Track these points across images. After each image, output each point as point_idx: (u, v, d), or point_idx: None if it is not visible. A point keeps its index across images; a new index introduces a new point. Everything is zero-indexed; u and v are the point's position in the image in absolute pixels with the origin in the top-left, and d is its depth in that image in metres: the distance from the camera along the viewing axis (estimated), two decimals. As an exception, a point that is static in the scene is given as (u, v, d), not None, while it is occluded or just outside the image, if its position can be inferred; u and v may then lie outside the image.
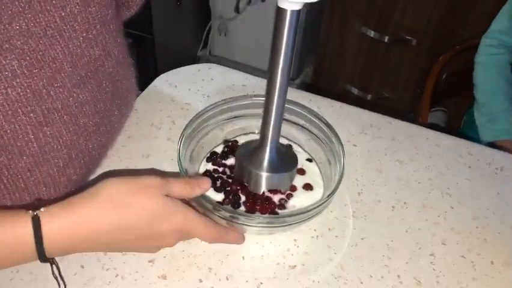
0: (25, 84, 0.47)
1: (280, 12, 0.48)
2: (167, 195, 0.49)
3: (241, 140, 0.68)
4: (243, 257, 0.57)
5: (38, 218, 0.44)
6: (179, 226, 0.49)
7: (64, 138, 0.54)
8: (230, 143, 0.67)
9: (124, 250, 0.52)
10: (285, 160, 0.62)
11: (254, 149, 0.60)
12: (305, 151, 0.67)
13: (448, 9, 1.63)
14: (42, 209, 0.45)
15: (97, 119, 0.58)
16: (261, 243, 0.59)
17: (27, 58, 0.46)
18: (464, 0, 1.59)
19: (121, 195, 0.47)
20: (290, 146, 0.67)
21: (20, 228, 0.44)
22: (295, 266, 0.57)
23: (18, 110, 0.47)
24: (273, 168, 0.59)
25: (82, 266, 0.55)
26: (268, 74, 0.53)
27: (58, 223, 0.45)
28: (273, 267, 0.57)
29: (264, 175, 0.59)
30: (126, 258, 0.56)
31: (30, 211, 0.44)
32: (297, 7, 0.47)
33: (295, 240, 0.60)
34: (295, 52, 2.20)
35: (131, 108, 0.73)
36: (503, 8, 1.15)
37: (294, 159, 0.63)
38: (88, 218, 0.45)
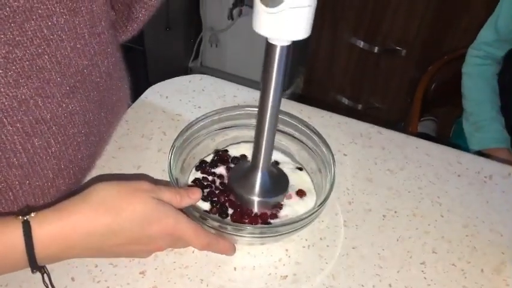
0: (11, 94, 0.47)
1: (270, 47, 0.49)
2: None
3: (232, 149, 0.68)
4: (235, 268, 0.57)
5: (29, 223, 0.44)
6: (170, 229, 0.49)
7: (53, 148, 0.53)
8: (220, 152, 0.67)
9: (114, 255, 0.52)
10: (276, 183, 0.62)
11: (245, 173, 0.61)
12: (296, 161, 0.68)
13: (437, 20, 1.66)
14: (32, 214, 0.44)
15: (86, 129, 0.58)
16: (253, 254, 0.59)
17: (13, 68, 0.46)
18: (453, 11, 1.62)
19: (111, 199, 0.47)
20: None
21: (10, 234, 0.43)
22: (286, 276, 0.57)
23: (4, 120, 0.47)
24: (265, 193, 0.60)
25: (73, 279, 0.54)
26: (260, 102, 0.54)
27: (49, 228, 0.44)
28: (264, 278, 0.57)
29: (256, 200, 0.60)
30: (117, 270, 0.56)
31: (20, 216, 0.44)
32: (287, 43, 0.48)
33: (286, 250, 0.60)
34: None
35: (120, 118, 0.73)
36: (489, 19, 1.17)
37: (285, 181, 0.63)
38: (79, 222, 0.45)
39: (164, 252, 0.58)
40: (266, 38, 0.48)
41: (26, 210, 0.45)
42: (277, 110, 0.54)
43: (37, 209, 0.45)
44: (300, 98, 2.09)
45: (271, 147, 0.58)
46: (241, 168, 0.64)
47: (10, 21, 0.45)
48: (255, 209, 0.60)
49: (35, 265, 0.45)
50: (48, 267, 0.54)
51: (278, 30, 0.46)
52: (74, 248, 0.46)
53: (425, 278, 0.58)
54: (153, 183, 0.51)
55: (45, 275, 0.48)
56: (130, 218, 0.47)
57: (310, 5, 0.44)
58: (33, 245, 0.43)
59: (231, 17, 1.91)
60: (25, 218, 0.44)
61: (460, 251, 0.62)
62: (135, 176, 0.68)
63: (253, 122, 0.66)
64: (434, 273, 0.59)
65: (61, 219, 0.45)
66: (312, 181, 0.65)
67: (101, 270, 0.56)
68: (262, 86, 0.52)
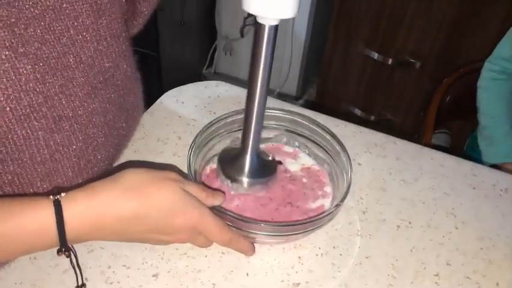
0: (37, 90, 0.48)
1: (259, 27, 0.50)
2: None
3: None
4: (247, 274, 0.57)
5: (59, 202, 0.45)
6: (193, 222, 0.50)
7: (74, 147, 0.54)
8: None
9: (136, 240, 0.52)
10: (265, 165, 0.63)
11: (235, 156, 0.61)
12: (312, 159, 0.69)
13: (452, 33, 1.65)
14: (62, 194, 0.45)
15: (106, 130, 0.59)
16: (266, 260, 0.59)
17: (41, 64, 0.48)
18: (468, 24, 1.61)
19: (141, 185, 0.48)
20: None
21: (41, 212, 0.44)
22: (299, 283, 0.57)
23: (31, 115, 0.48)
24: (254, 174, 0.60)
25: (86, 279, 0.55)
26: (248, 84, 0.55)
27: (79, 207, 0.45)
28: (277, 284, 0.56)
29: (245, 180, 0.60)
30: (130, 272, 0.56)
31: (51, 196, 0.45)
32: (275, 23, 0.50)
33: (299, 257, 0.60)
34: (299, 72, 2.21)
35: (138, 123, 0.74)
36: (507, 34, 1.16)
37: (273, 164, 0.64)
38: (108, 204, 0.46)
39: (177, 256, 0.58)
40: (255, 18, 0.49)
41: (56, 191, 0.46)
42: (265, 92, 0.55)
43: (66, 189, 0.46)
44: (313, 106, 2.10)
45: (259, 130, 0.58)
46: (231, 152, 0.64)
47: (40, 19, 0.47)
48: (246, 189, 0.60)
49: (65, 244, 0.46)
50: (62, 267, 0.55)
51: (266, 8, 0.47)
52: (102, 229, 0.47)
53: (439, 290, 0.57)
54: (181, 176, 0.52)
55: (72, 254, 0.48)
56: (157, 206, 0.48)
57: None
58: (64, 223, 0.44)
59: (244, 26, 1.92)
60: (56, 198, 0.45)
61: (474, 263, 0.61)
62: (164, 165, 0.69)
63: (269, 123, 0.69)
64: (448, 286, 0.58)
65: (91, 199, 0.46)
66: (330, 182, 0.65)
67: (114, 272, 0.56)
68: (250, 67, 0.53)
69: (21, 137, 0.49)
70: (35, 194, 0.54)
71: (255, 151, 0.60)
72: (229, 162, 0.61)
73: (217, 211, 0.54)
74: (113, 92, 0.59)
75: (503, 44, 1.17)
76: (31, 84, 0.47)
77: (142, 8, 0.67)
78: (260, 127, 0.58)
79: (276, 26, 0.50)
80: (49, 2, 0.47)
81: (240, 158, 0.60)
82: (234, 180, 0.60)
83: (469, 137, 1.34)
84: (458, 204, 0.69)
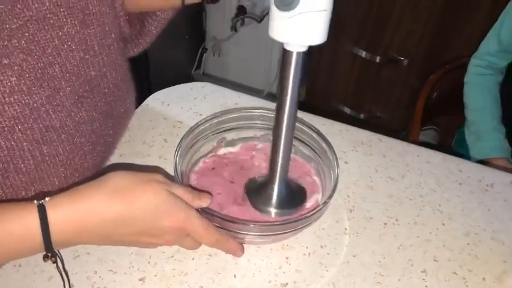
0: (23, 101, 0.47)
1: (286, 53, 0.49)
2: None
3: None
4: (235, 275, 0.57)
5: (44, 207, 0.44)
6: (180, 224, 0.50)
7: (61, 157, 0.54)
8: None
9: (123, 244, 0.52)
10: (294, 196, 0.62)
11: (262, 185, 0.61)
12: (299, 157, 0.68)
13: (438, 29, 1.66)
14: (47, 199, 0.45)
15: (94, 139, 0.58)
16: (253, 261, 0.59)
17: (26, 75, 0.47)
18: (455, 20, 1.62)
19: (126, 187, 0.48)
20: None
21: (26, 217, 0.44)
22: (287, 283, 0.57)
23: (15, 127, 0.48)
24: (282, 205, 0.60)
25: (72, 285, 0.54)
26: (276, 110, 0.54)
27: (64, 211, 0.45)
28: (264, 285, 0.56)
29: (273, 211, 0.60)
30: (116, 277, 0.56)
31: (35, 201, 0.44)
32: (303, 49, 0.49)
33: (287, 257, 0.59)
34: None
35: (125, 129, 0.74)
36: (492, 29, 1.17)
37: (302, 194, 0.63)
38: (93, 207, 0.46)
39: (164, 259, 0.58)
40: (282, 44, 0.48)
41: (41, 196, 0.45)
42: (293, 119, 0.54)
43: (51, 194, 0.46)
44: (302, 106, 2.10)
45: (288, 158, 0.57)
46: (257, 181, 0.63)
47: (24, 30, 0.46)
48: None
49: (50, 249, 0.45)
50: (47, 274, 0.55)
51: (294, 35, 0.46)
52: (87, 232, 0.47)
53: (426, 286, 0.57)
54: (167, 178, 0.52)
55: (58, 259, 0.48)
56: (143, 208, 0.48)
57: (326, 9, 0.45)
58: (49, 227, 0.44)
59: (234, 27, 1.92)
60: (40, 202, 0.44)
61: (461, 259, 0.61)
62: (150, 168, 0.69)
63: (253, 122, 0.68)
64: (435, 282, 0.58)
65: (76, 203, 0.46)
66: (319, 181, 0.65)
67: (100, 277, 0.55)
68: (278, 93, 0.52)
69: (5, 148, 0.48)
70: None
71: (283, 181, 0.59)
72: (256, 192, 0.61)
73: (205, 213, 0.54)
74: (99, 100, 0.58)
75: (489, 40, 1.18)
76: (16, 96, 0.47)
77: (150, 27, 0.66)
78: (289, 155, 0.57)
79: (305, 52, 0.49)
80: (32, 12, 0.47)
81: (267, 188, 0.60)
82: (261, 211, 0.60)
83: (456, 133, 1.35)
84: (445, 200, 0.69)
